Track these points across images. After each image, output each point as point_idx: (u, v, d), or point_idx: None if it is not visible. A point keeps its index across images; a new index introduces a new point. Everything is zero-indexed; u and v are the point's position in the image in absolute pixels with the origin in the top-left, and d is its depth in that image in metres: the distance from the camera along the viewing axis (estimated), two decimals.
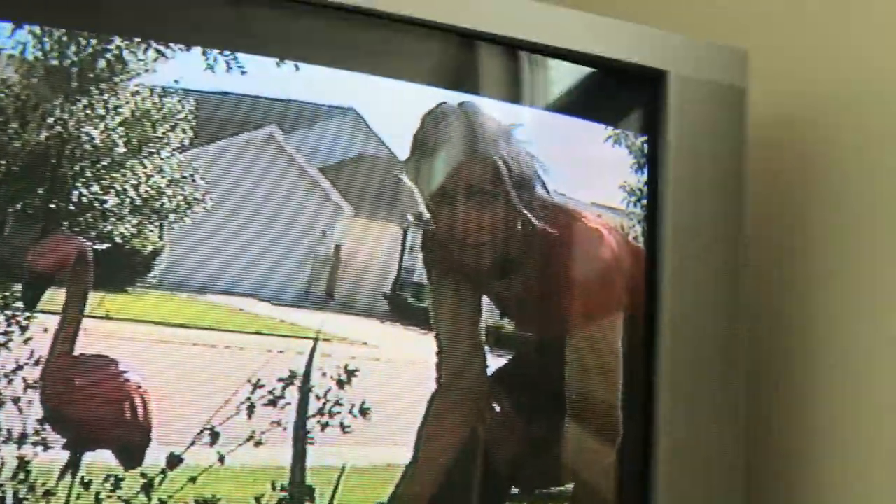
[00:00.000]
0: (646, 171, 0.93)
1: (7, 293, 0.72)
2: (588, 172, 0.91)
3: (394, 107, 0.82)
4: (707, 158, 0.93)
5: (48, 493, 0.71)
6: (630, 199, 0.93)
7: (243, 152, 0.78)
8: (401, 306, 0.81)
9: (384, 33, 0.83)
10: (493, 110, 0.85)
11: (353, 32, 0.82)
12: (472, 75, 0.86)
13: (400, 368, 0.80)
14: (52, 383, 0.72)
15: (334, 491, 0.77)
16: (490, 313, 0.84)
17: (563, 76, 0.91)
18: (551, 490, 0.85)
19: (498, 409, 0.83)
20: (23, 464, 0.71)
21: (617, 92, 0.93)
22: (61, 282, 0.73)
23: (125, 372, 0.74)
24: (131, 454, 0.73)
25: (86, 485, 0.72)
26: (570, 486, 0.85)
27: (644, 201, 0.92)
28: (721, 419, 0.90)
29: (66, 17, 0.77)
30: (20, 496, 0.71)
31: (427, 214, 0.80)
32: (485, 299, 0.84)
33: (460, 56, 0.85)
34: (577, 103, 0.92)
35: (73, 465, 0.72)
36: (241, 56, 0.79)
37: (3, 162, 0.74)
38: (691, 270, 0.91)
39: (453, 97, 0.83)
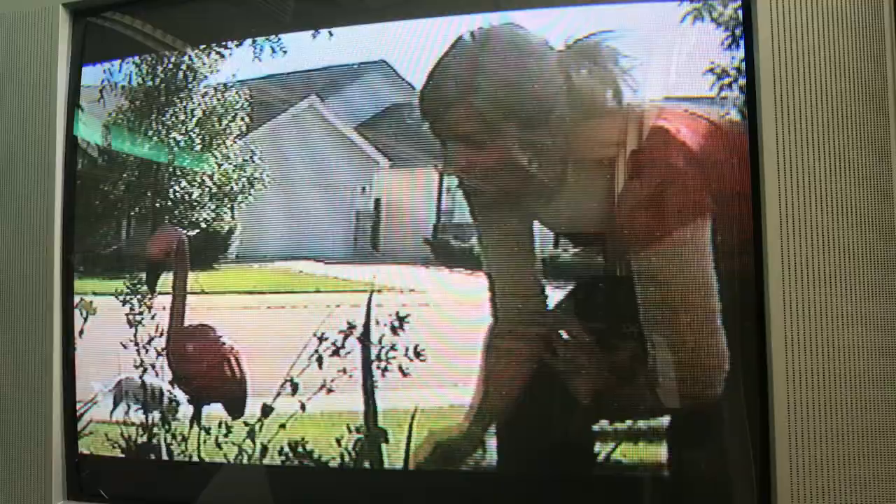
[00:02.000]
0: (742, 44, 0.78)
1: (136, 282, 0.89)
2: (660, 64, 0.79)
3: (421, 48, 0.81)
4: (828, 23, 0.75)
5: (184, 439, 0.87)
6: (721, 82, 0.78)
7: (290, 126, 0.85)
8: (444, 249, 0.81)
9: None
10: (521, 22, 0.79)
11: None
12: None
13: (449, 310, 0.80)
14: (174, 351, 0.87)
15: (409, 432, 0.80)
16: (545, 242, 0.79)
17: None
18: (645, 424, 0.77)
19: (567, 338, 0.78)
20: (164, 416, 0.88)
21: None
22: (168, 267, 0.88)
23: (221, 337, 0.86)
24: (234, 405, 0.85)
25: (207, 431, 0.86)
26: (664, 420, 0.77)
27: (742, 81, 0.77)
28: (864, 330, 0.72)
29: (154, 42, 0.91)
30: (167, 441, 0.88)
31: (454, 152, 0.78)
32: (536, 228, 0.79)
33: None
34: None
35: (196, 417, 0.86)
36: (283, 37, 0.86)
37: (125, 175, 0.91)
38: (808, 158, 0.74)
39: (476, 21, 0.79)
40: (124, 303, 0.88)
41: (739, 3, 0.77)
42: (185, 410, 0.88)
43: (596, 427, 0.77)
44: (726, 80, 0.78)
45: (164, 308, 0.88)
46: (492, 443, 0.79)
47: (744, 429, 0.74)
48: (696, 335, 0.75)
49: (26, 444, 0.90)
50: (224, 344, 0.86)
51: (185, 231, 0.88)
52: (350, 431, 0.82)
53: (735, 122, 0.75)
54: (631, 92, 0.78)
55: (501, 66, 0.78)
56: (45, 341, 0.90)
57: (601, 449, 0.76)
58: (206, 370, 0.87)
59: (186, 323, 0.87)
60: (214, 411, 0.87)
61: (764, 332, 0.73)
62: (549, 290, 0.78)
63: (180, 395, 0.88)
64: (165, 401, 0.88)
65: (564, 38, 0.79)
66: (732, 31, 0.78)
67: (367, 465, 0.81)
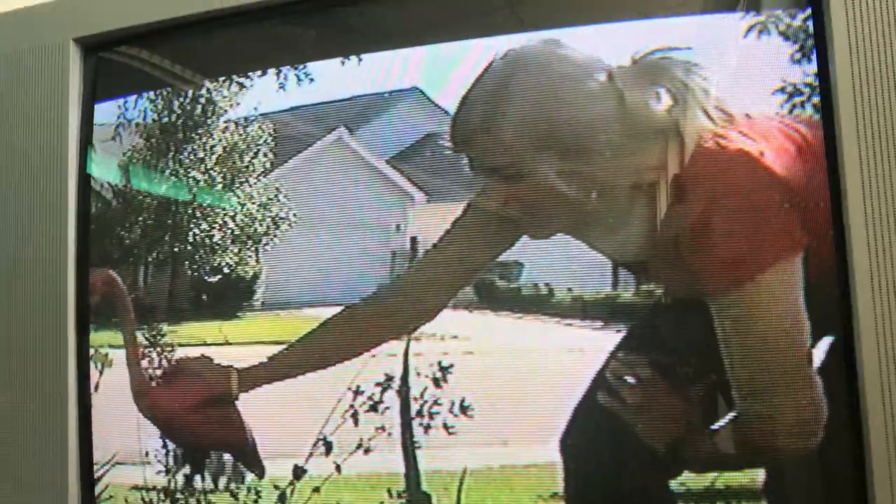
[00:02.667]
0: (814, 57, 0.70)
1: (154, 333, 0.82)
2: (726, 83, 0.71)
3: (457, 72, 0.74)
4: None
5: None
6: (794, 100, 0.71)
7: (317, 161, 0.78)
8: (488, 291, 0.73)
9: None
10: (565, 41, 0.72)
11: (400, 10, 0.77)
12: (533, 13, 0.74)
13: (496, 359, 0.72)
14: (144, 401, 0.80)
15: (458, 497, 0.72)
16: (603, 279, 0.71)
17: None
18: (735, 481, 0.69)
19: (634, 382, 0.70)
20: (188, 479, 0.80)
21: None
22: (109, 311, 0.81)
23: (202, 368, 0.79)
24: (244, 454, 0.78)
25: (234, 496, 0.79)
26: (759, 477, 0.68)
27: (815, 100, 0.70)
28: None
29: (170, 76, 0.85)
30: None
31: (488, 186, 0.71)
32: (600, 264, 0.71)
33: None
34: None
35: (198, 471, 0.79)
36: (309, 65, 0.79)
37: (141, 218, 0.84)
38: (892, 175, 0.66)
39: (513, 41, 0.72)
40: (143, 356, 0.82)
41: (810, 12, 0.70)
42: (211, 473, 0.80)
43: (674, 483, 0.69)
44: (799, 99, 0.70)
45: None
46: None
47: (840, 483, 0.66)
48: (786, 382, 0.67)
49: None
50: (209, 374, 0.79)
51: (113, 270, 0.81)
52: (391, 496, 0.74)
53: (814, 143, 0.68)
54: (700, 112, 0.71)
55: (534, 89, 0.71)
56: (59, 397, 0.83)
57: None
58: (191, 414, 0.80)
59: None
60: (245, 474, 0.79)
61: (856, 377, 0.65)
62: (610, 333, 0.70)
63: (200, 455, 0.80)
64: (189, 462, 0.81)
65: (623, 56, 0.72)
66: (800, 45, 0.70)
67: None
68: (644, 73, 0.71)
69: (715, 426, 0.69)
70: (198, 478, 0.80)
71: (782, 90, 0.70)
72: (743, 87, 0.71)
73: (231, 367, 0.79)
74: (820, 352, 0.68)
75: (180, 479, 0.81)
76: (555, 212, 0.70)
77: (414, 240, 0.75)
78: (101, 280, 0.82)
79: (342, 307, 0.76)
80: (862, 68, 0.67)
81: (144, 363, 0.80)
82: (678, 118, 0.69)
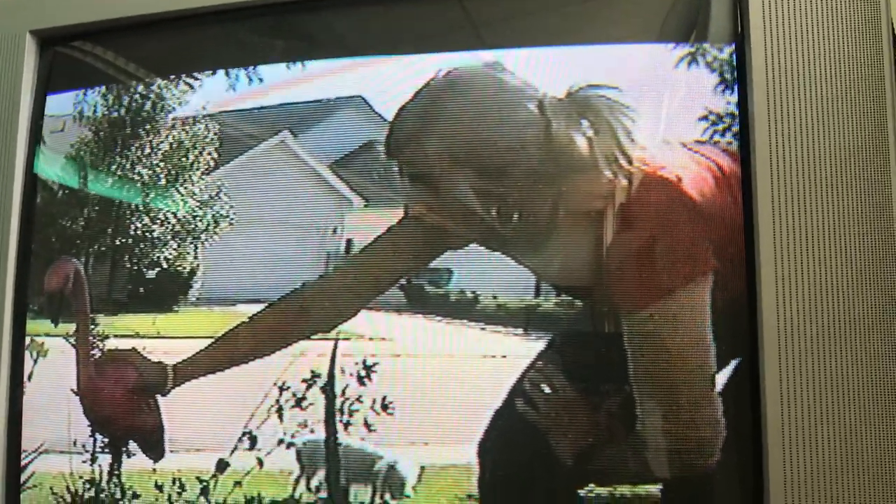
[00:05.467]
0: (736, 89, 0.74)
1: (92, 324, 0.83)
2: (654, 110, 0.75)
3: (400, 84, 0.77)
4: (826, 60, 0.71)
5: (135, 495, 0.81)
6: (715, 128, 0.74)
7: (260, 162, 0.80)
8: (418, 295, 0.75)
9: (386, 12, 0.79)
10: (506, 63, 0.75)
11: (353, 19, 0.79)
12: (472, 32, 0.77)
13: (421, 361, 0.74)
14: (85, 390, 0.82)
15: (373, 492, 0.74)
16: (526, 290, 0.74)
17: None
18: (631, 491, 0.71)
19: (550, 392, 0.73)
20: (112, 469, 0.81)
21: None
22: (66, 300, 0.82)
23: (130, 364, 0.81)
24: (150, 444, 0.79)
25: (160, 488, 0.80)
26: (653, 488, 0.71)
27: (735, 128, 0.73)
28: (865, 402, 0.67)
29: (123, 73, 0.87)
30: (116, 496, 0.81)
31: (411, 193, 0.74)
32: (520, 277, 0.74)
33: (453, 15, 0.77)
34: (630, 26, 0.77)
35: (116, 460, 0.80)
36: (258, 68, 0.82)
37: (85, 210, 0.86)
38: (802, 206, 0.69)
39: (456, 60, 0.75)
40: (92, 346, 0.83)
41: (734, 47, 0.74)
42: (135, 462, 0.81)
43: (582, 492, 0.71)
44: (720, 126, 0.74)
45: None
46: None
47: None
48: (689, 401, 0.69)
49: None
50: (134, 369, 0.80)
51: (78, 262, 0.83)
52: (310, 491, 0.76)
53: (732, 171, 0.71)
54: (624, 138, 0.74)
55: (465, 107, 0.74)
56: None
57: None
58: (120, 406, 0.81)
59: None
60: (168, 466, 0.80)
61: (759, 398, 0.68)
62: (531, 341, 0.72)
63: (134, 447, 0.81)
64: (113, 452, 0.82)
65: (559, 86, 0.75)
66: (724, 76, 0.74)
67: None
68: (573, 106, 0.74)
69: (620, 439, 0.72)
70: (123, 468, 0.81)
71: (706, 118, 0.74)
72: (670, 114, 0.75)
73: (162, 362, 0.80)
74: (722, 374, 0.70)
75: (105, 468, 0.82)
76: (465, 226, 0.72)
77: (349, 242, 0.77)
78: (66, 269, 0.83)
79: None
80: (778, 101, 0.70)
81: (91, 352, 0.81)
82: (598, 150, 0.72)
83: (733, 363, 0.70)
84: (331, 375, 0.76)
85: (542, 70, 0.77)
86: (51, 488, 0.84)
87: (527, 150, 0.73)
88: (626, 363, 0.70)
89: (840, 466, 0.65)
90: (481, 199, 0.72)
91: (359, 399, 0.74)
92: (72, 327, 0.85)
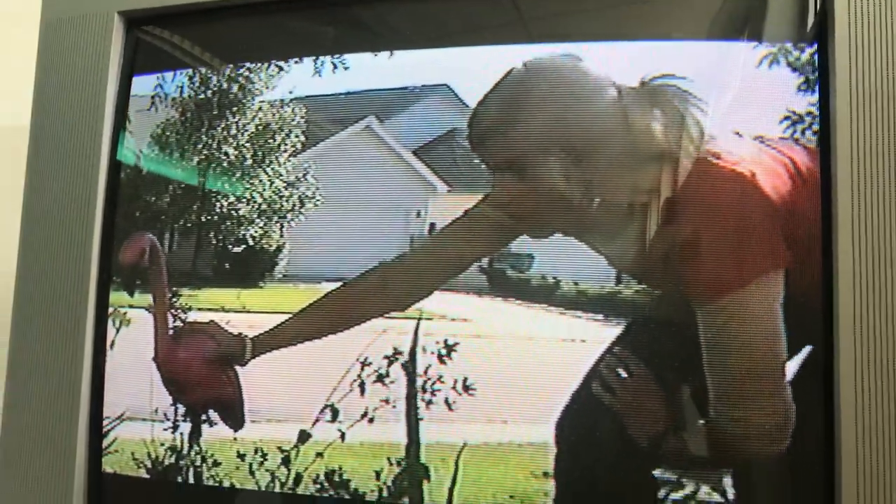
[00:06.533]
0: (817, 88, 0.76)
1: (172, 296, 0.87)
2: (734, 107, 0.77)
3: (484, 74, 0.79)
4: None
5: (216, 463, 0.84)
6: (797, 127, 0.76)
7: (346, 147, 0.83)
8: (499, 279, 0.78)
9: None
10: (585, 55, 0.77)
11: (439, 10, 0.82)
12: (562, 23, 0.79)
13: (501, 342, 0.77)
14: (164, 361, 0.86)
15: (456, 470, 0.77)
16: (607, 278, 0.76)
17: None
18: (705, 474, 0.74)
19: (626, 377, 0.75)
20: (194, 437, 0.85)
21: None
22: (143, 273, 0.85)
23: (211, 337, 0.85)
24: (231, 414, 0.82)
25: (241, 457, 0.83)
26: (724, 473, 0.73)
27: (815, 127, 0.75)
28: None
29: (209, 56, 0.90)
30: (196, 464, 0.84)
31: (497, 182, 0.77)
32: (598, 264, 0.76)
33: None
34: (714, 25, 0.79)
35: (195, 432, 0.84)
36: (345, 56, 0.84)
37: (171, 187, 0.89)
38: (882, 205, 0.72)
39: (535, 51, 0.78)
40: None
41: (815, 48, 0.75)
42: (216, 431, 0.84)
43: (654, 473, 0.74)
44: (801, 126, 0.76)
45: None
46: (542, 485, 0.76)
47: (810, 488, 0.71)
48: (760, 390, 0.72)
49: (48, 460, 0.87)
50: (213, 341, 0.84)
51: (153, 237, 0.86)
52: (391, 464, 0.79)
53: (808, 168, 0.73)
54: (696, 130, 0.76)
55: (549, 96, 0.76)
56: (75, 350, 0.87)
57: (658, 496, 0.73)
58: (198, 376, 0.84)
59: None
60: (249, 435, 0.84)
61: (833, 391, 0.70)
62: (610, 327, 0.75)
63: (214, 416, 0.85)
64: (194, 421, 0.85)
65: (634, 77, 0.77)
66: (807, 77, 0.76)
67: (406, 501, 0.78)
68: (647, 96, 0.76)
69: (693, 425, 0.74)
70: (204, 436, 0.84)
71: (787, 118, 0.76)
72: (751, 112, 0.77)
73: (241, 334, 0.83)
74: (794, 363, 0.73)
75: (186, 436, 0.85)
76: (554, 213, 0.75)
77: (433, 226, 0.80)
78: (142, 243, 0.86)
79: None
80: (860, 101, 0.72)
81: (169, 322, 0.85)
82: (675, 141, 0.74)
83: (804, 353, 0.73)
84: (412, 354, 0.78)
85: (619, 63, 0.79)
86: (132, 454, 0.87)
87: (610, 139, 0.75)
88: (699, 352, 0.73)
89: None
90: (572, 185, 0.75)
91: (440, 379, 0.77)
92: (151, 299, 0.88)
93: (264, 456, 0.82)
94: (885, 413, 0.68)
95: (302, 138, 0.84)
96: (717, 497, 0.72)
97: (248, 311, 0.84)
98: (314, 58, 0.85)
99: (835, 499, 0.68)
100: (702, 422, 0.74)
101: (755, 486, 0.74)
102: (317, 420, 0.81)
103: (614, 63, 0.79)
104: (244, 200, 0.86)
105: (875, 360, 0.69)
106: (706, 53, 0.78)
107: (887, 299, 0.70)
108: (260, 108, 0.86)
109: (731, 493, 0.72)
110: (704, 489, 0.73)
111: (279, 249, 0.84)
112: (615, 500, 0.75)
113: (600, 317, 0.75)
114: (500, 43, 0.80)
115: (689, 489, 0.74)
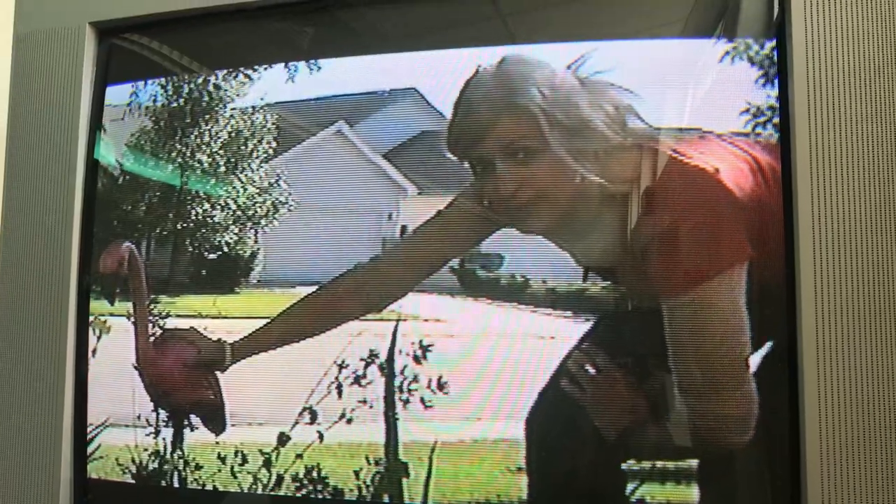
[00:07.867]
0: (776, 83, 0.77)
1: (151, 304, 0.88)
2: (695, 101, 0.78)
3: (452, 77, 0.80)
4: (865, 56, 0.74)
5: (198, 467, 0.85)
6: (756, 120, 0.78)
7: (317, 151, 0.84)
8: (470, 279, 0.79)
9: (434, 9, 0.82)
10: (547, 55, 0.79)
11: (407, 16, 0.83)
12: (527, 25, 0.81)
13: (474, 342, 0.79)
14: (145, 367, 0.88)
15: (429, 466, 0.79)
16: (574, 275, 0.78)
17: None
18: (672, 465, 0.76)
19: (594, 372, 0.77)
20: (177, 442, 0.86)
21: None
22: (122, 280, 0.86)
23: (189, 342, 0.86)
24: (213, 418, 0.84)
25: (222, 460, 0.85)
26: (691, 463, 0.75)
27: (776, 120, 0.77)
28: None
29: (181, 65, 0.91)
30: (180, 468, 0.86)
31: (477, 181, 0.78)
32: (565, 261, 0.78)
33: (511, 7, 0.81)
34: (678, 22, 0.80)
35: (178, 436, 0.85)
36: (317, 61, 0.85)
37: (146, 196, 0.90)
38: (840, 197, 0.73)
39: (502, 52, 0.79)
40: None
41: (775, 42, 0.77)
42: (198, 435, 0.86)
43: (623, 466, 0.76)
44: (761, 119, 0.77)
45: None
46: (516, 479, 0.77)
47: (773, 477, 0.73)
48: (724, 382, 0.74)
49: (33, 466, 0.89)
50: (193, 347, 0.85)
51: (132, 245, 0.87)
52: (369, 463, 0.80)
53: (769, 163, 0.75)
54: (656, 126, 0.78)
55: (502, 98, 0.78)
56: (58, 359, 0.89)
57: (628, 487, 0.75)
58: (180, 382, 0.86)
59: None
60: (230, 439, 0.85)
61: (796, 380, 0.72)
62: (578, 323, 0.77)
63: (196, 420, 0.86)
64: (176, 426, 0.86)
65: (589, 73, 0.78)
66: (767, 70, 0.77)
67: (385, 499, 0.80)
68: (593, 91, 0.78)
69: (660, 418, 0.76)
70: (186, 440, 0.86)
71: (747, 111, 0.77)
72: (713, 107, 0.78)
73: (220, 339, 0.84)
74: (758, 355, 0.74)
75: (169, 441, 0.86)
76: (544, 206, 0.76)
77: (404, 228, 0.81)
78: (121, 251, 0.87)
79: None
80: (818, 95, 0.74)
81: (150, 330, 0.86)
82: (637, 138, 0.76)
83: (768, 345, 0.74)
84: (391, 355, 0.80)
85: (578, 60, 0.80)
86: (116, 459, 0.89)
87: (562, 139, 0.77)
88: (665, 346, 0.74)
89: (878, 444, 0.69)
90: (564, 173, 0.76)
91: (415, 379, 0.79)
92: (131, 307, 0.89)
93: (245, 458, 0.84)
94: (846, 401, 0.70)
95: (274, 144, 0.85)
96: (683, 487, 0.74)
97: (226, 317, 0.85)
98: (284, 64, 0.86)
99: (801, 487, 0.70)
100: (668, 414, 0.75)
101: (722, 475, 0.75)
102: (296, 423, 0.82)
103: (567, 60, 0.80)
104: (219, 207, 0.87)
105: (836, 350, 0.70)
106: (670, 50, 0.79)
107: (848, 290, 0.71)
108: (232, 115, 0.87)
109: (698, 484, 0.74)
110: (671, 480, 0.74)
111: (254, 255, 0.85)
112: (587, 493, 0.77)
113: (569, 313, 0.77)
114: (466, 46, 0.81)
115: (657, 480, 0.75)
